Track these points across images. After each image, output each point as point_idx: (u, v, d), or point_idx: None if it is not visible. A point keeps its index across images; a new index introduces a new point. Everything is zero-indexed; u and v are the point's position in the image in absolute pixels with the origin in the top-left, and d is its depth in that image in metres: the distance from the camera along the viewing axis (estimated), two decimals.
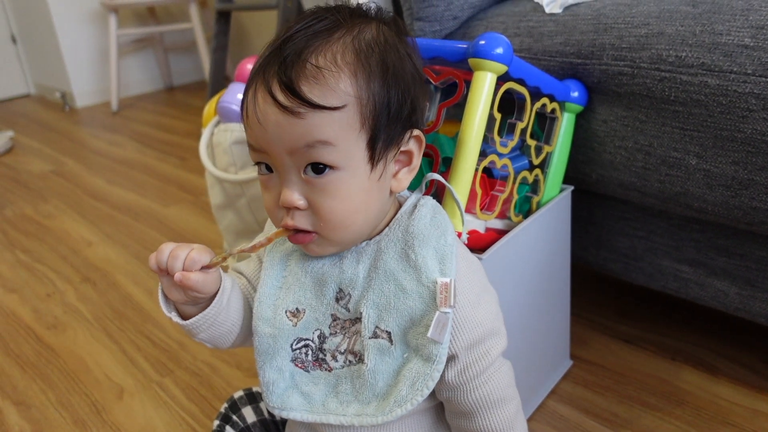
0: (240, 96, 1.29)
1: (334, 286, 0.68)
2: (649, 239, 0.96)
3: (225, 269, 0.67)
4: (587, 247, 1.05)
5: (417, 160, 0.67)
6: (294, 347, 0.69)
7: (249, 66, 1.38)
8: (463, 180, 0.76)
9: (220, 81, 2.49)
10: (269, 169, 0.62)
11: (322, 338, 0.69)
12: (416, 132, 0.66)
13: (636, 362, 1.06)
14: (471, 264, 0.69)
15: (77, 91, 3.47)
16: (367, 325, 0.65)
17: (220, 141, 1.30)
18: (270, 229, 0.75)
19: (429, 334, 0.62)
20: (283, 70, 0.58)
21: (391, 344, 0.65)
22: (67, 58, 3.40)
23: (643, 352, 1.08)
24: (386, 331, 0.65)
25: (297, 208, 0.61)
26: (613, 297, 1.23)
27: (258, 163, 0.63)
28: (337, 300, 0.68)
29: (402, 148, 0.65)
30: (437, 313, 0.62)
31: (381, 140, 0.62)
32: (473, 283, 0.67)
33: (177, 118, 3.04)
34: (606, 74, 0.87)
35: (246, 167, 1.31)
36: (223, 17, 2.45)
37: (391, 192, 0.67)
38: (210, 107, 1.43)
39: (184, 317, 0.68)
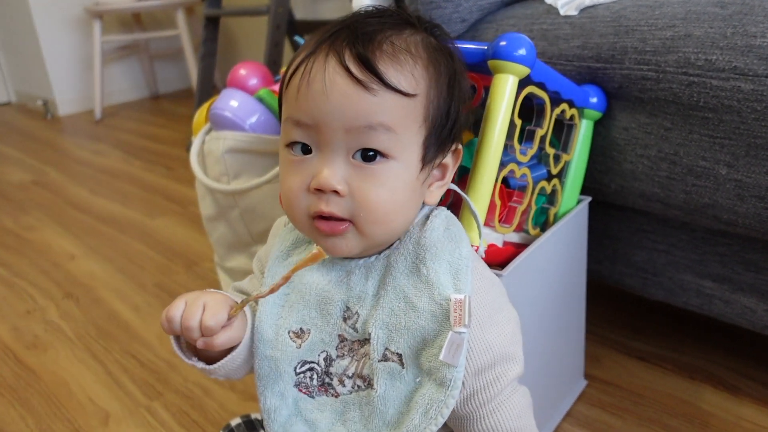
0: (234, 103, 1.24)
1: (341, 304, 0.63)
2: (669, 253, 0.91)
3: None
4: (602, 260, 1.00)
5: (450, 176, 0.64)
6: (298, 371, 0.64)
7: (242, 71, 1.32)
8: (483, 191, 0.70)
9: (207, 89, 2.42)
10: (305, 150, 0.58)
11: (329, 361, 0.63)
12: (459, 146, 0.63)
13: (653, 381, 1.00)
14: (486, 280, 0.63)
15: (60, 99, 3.39)
16: (376, 347, 0.60)
17: (212, 149, 1.24)
18: (276, 238, 0.69)
19: (441, 357, 0.56)
20: (360, 43, 0.55)
21: (403, 368, 0.60)
22: (50, 65, 3.32)
23: (660, 371, 1.03)
24: (397, 354, 0.60)
25: (336, 193, 0.56)
26: (625, 312, 1.18)
27: (292, 144, 0.58)
28: (345, 319, 0.62)
29: (442, 160, 0.62)
30: (450, 333, 0.57)
31: (434, 142, 0.59)
32: (486, 302, 0.62)
33: (163, 127, 2.96)
34: (628, 79, 0.82)
35: (239, 177, 1.25)
36: (212, 23, 2.39)
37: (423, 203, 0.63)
38: (201, 114, 1.37)
39: (202, 357, 0.63)
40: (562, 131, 0.86)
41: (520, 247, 0.80)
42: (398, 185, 0.57)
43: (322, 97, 0.54)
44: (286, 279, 0.57)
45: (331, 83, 0.54)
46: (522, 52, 0.69)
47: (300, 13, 2.65)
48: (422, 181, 0.60)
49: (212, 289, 0.61)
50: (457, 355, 0.56)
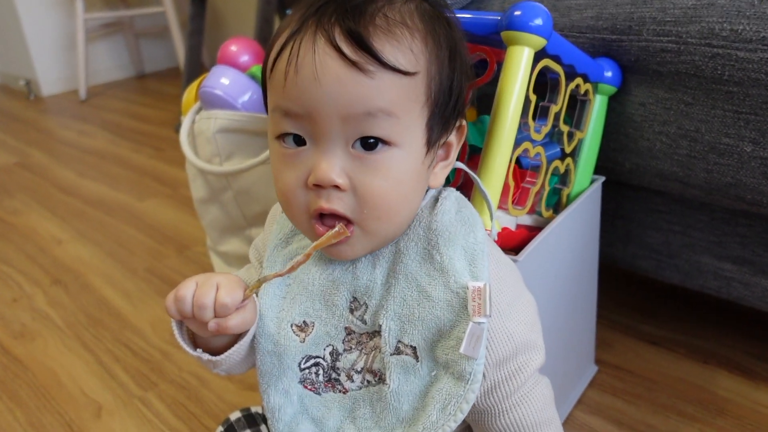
0: (225, 80, 1.18)
1: (347, 295, 0.58)
2: (686, 234, 0.87)
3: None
4: (613, 242, 0.96)
5: (454, 154, 0.59)
6: (302, 366, 0.60)
7: (233, 47, 1.27)
8: (496, 172, 0.66)
9: (196, 67, 2.35)
10: (298, 141, 0.52)
11: (335, 355, 0.59)
12: (463, 122, 0.58)
13: (665, 366, 0.97)
14: (503, 265, 0.60)
15: (43, 79, 3.30)
16: (388, 340, 0.56)
17: (203, 129, 1.19)
18: (274, 224, 0.65)
19: (462, 350, 0.52)
20: (350, 17, 0.49)
21: (417, 361, 0.56)
22: (32, 43, 3.22)
23: (672, 355, 0.99)
24: (411, 346, 0.56)
25: (337, 188, 0.51)
26: (634, 295, 1.14)
27: (283, 136, 0.53)
28: (352, 311, 0.58)
29: (447, 139, 0.57)
30: (470, 324, 0.53)
31: (439, 122, 0.54)
32: (505, 288, 0.58)
33: (150, 107, 2.89)
34: (646, 51, 0.78)
35: (231, 158, 1.20)
36: None
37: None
38: (190, 93, 1.32)
39: (205, 347, 0.59)
40: (574, 108, 0.82)
41: (533, 230, 0.76)
42: (403, 174, 0.53)
43: (313, 83, 0.49)
44: (308, 256, 0.53)
45: (322, 67, 0.48)
46: (538, 21, 0.65)
47: None
48: (428, 165, 0.56)
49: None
50: (478, 346, 0.53)
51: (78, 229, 1.67)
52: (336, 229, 0.52)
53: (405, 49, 0.50)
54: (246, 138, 1.19)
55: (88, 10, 3.08)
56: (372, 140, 0.51)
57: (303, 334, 0.59)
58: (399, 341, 0.56)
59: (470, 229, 0.57)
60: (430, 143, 0.55)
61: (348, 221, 0.53)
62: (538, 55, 0.68)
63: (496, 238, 0.64)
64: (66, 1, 3.23)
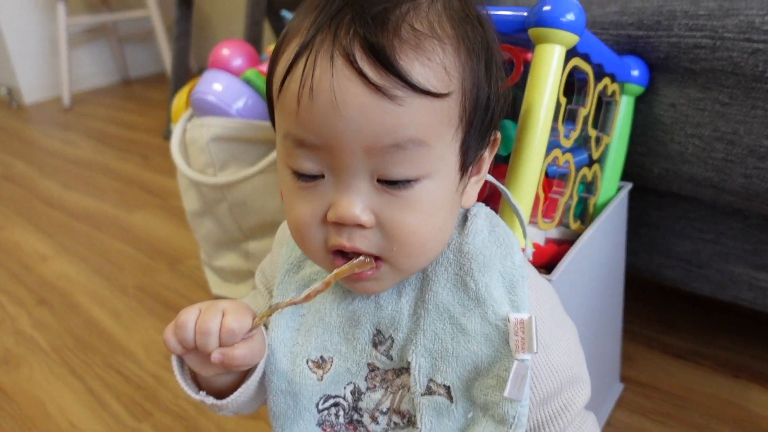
0: (218, 86, 1.12)
1: (369, 327, 0.52)
2: (718, 242, 0.82)
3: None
4: (638, 251, 0.90)
5: (486, 168, 0.53)
6: (321, 407, 0.54)
7: (225, 51, 1.20)
8: (527, 184, 0.60)
9: (183, 72, 2.28)
10: (314, 174, 0.46)
11: (357, 394, 0.53)
12: (498, 134, 0.52)
13: (694, 381, 0.92)
14: (541, 290, 0.53)
15: (25, 87, 3.21)
16: (418, 379, 0.50)
17: (195, 138, 1.13)
18: (283, 246, 0.58)
19: (506, 393, 0.46)
20: (371, 30, 0.41)
21: (451, 402, 0.50)
22: (12, 50, 3.13)
23: (700, 369, 0.94)
24: (444, 386, 0.50)
25: (361, 226, 0.45)
26: (654, 305, 1.08)
27: (296, 171, 0.46)
28: (375, 345, 0.52)
29: (481, 156, 0.51)
30: (515, 363, 0.47)
31: (474, 143, 0.48)
32: (545, 316, 0.52)
33: (136, 113, 2.81)
34: (677, 48, 0.72)
35: (226, 168, 1.14)
36: (185, 1, 2.24)
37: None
38: (180, 100, 1.25)
39: (209, 389, 0.52)
40: (597, 111, 0.76)
41: (561, 244, 0.70)
42: (436, 207, 0.46)
43: (333, 112, 0.42)
44: (327, 284, 0.47)
45: (342, 94, 0.41)
46: (570, 17, 0.59)
47: None
48: (461, 190, 0.50)
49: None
50: (522, 387, 0.47)
51: (63, 244, 1.59)
52: (361, 258, 0.46)
53: (437, 66, 0.43)
54: (241, 146, 1.12)
55: (71, 15, 2.99)
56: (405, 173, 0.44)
57: (320, 371, 0.53)
58: (430, 380, 0.50)
59: (507, 252, 0.51)
60: (465, 167, 0.48)
61: (375, 257, 0.47)
62: (568, 54, 0.62)
63: (531, 258, 0.58)
64: (47, 5, 3.14)
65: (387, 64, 0.41)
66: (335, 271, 0.47)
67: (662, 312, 1.06)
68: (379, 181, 0.44)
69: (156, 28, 2.91)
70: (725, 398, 0.88)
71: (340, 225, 0.45)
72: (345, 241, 0.45)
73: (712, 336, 1.00)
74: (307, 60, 0.42)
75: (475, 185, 0.52)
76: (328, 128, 0.43)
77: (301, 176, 0.46)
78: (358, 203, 0.44)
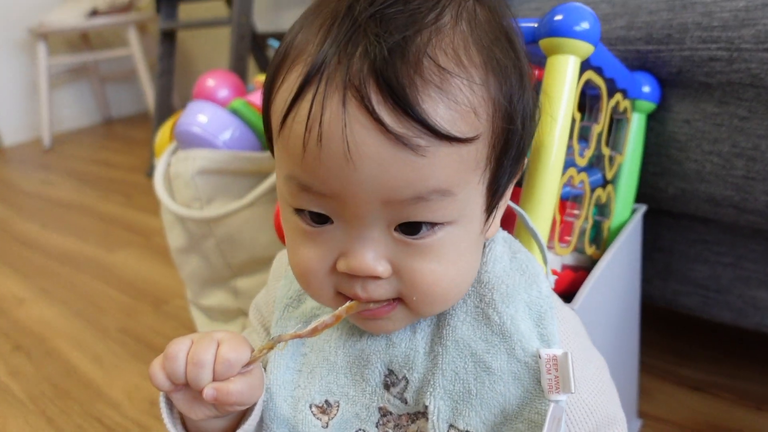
0: (203, 117, 1.07)
1: (380, 367, 0.47)
2: (738, 266, 0.78)
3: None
4: (651, 278, 0.85)
5: (509, 194, 0.47)
6: None
7: (210, 82, 1.16)
8: (545, 205, 0.55)
9: (166, 110, 2.24)
10: (321, 217, 0.41)
11: None
12: (527, 161, 0.48)
13: (715, 416, 0.86)
14: (568, 321, 0.49)
15: (4, 128, 3.15)
16: (436, 424, 0.45)
17: (180, 172, 1.07)
18: (281, 279, 0.53)
19: None
20: (389, 67, 0.35)
21: None
22: None
23: (720, 402, 0.88)
24: None
25: (377, 277, 0.40)
26: (670, 335, 1.03)
27: (301, 210, 0.41)
28: (387, 387, 0.47)
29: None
30: (552, 405, 0.41)
31: (504, 182, 0.43)
32: (577, 351, 0.47)
33: (118, 153, 2.76)
34: (690, 62, 0.69)
35: (213, 201, 1.09)
36: (168, 38, 2.21)
37: None
38: (164, 133, 1.21)
39: None
40: (609, 128, 0.72)
41: (578, 272, 0.65)
42: (459, 253, 0.42)
43: (344, 163, 0.37)
44: (338, 318, 0.42)
45: (356, 146, 0.36)
46: (585, 25, 0.55)
47: (262, 24, 2.49)
48: (487, 229, 0.45)
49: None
50: (558, 431, 0.41)
51: (42, 286, 1.52)
52: (349, 303, 0.41)
53: (464, 108, 0.38)
54: (229, 179, 1.07)
55: (52, 55, 2.95)
56: (421, 223, 0.40)
57: (326, 417, 0.47)
58: (451, 425, 0.44)
59: (532, 280, 0.46)
60: (491, 208, 0.44)
61: (391, 301, 0.42)
62: (582, 67, 0.58)
63: (554, 286, 0.53)
64: (27, 46, 3.10)
65: (408, 109, 0.36)
66: (346, 305, 0.41)
67: (677, 342, 1.01)
68: (396, 230, 0.40)
69: (138, 67, 2.88)
70: None
71: (353, 276, 0.41)
72: (359, 292, 0.41)
73: (731, 367, 0.95)
74: (314, 99, 0.37)
75: (498, 211, 0.47)
76: (339, 179, 0.37)
77: (306, 219, 0.41)
78: (372, 253, 0.40)
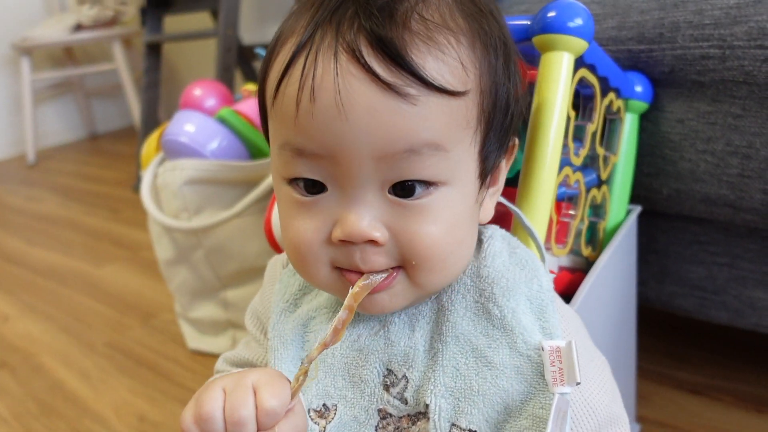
0: (190, 127, 1.06)
1: (379, 367, 0.46)
2: (734, 266, 0.77)
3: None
4: (647, 280, 0.85)
5: (503, 179, 0.48)
6: None
7: (197, 91, 1.15)
8: (542, 203, 0.54)
9: (152, 123, 2.22)
10: (316, 186, 0.41)
11: None
12: (515, 140, 0.48)
13: (715, 419, 0.85)
14: (571, 319, 0.48)
15: None
16: (438, 424, 0.43)
17: (168, 182, 1.06)
18: (275, 284, 0.52)
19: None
20: (378, 22, 0.37)
21: None
22: None
23: (719, 405, 0.88)
24: (469, 430, 0.43)
25: (373, 242, 0.39)
26: (666, 338, 1.03)
27: (295, 180, 0.41)
28: (387, 387, 0.45)
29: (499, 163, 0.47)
30: (557, 397, 0.40)
31: (494, 147, 0.43)
32: (579, 348, 0.46)
33: (104, 167, 2.73)
34: (682, 60, 0.68)
35: (201, 212, 1.07)
36: (154, 51, 2.20)
37: None
38: (150, 144, 1.19)
39: None
40: (603, 129, 0.71)
41: (574, 272, 0.64)
42: (455, 217, 0.42)
43: (337, 116, 0.37)
44: (352, 310, 0.41)
45: (348, 94, 0.37)
46: (578, 21, 0.54)
47: (247, 36, 2.48)
48: (480, 200, 0.45)
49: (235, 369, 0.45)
50: (564, 425, 0.40)
51: (27, 302, 1.49)
52: (380, 275, 0.41)
53: (452, 61, 0.39)
54: (217, 189, 1.06)
55: (35, 71, 2.93)
56: (414, 183, 0.40)
57: (323, 422, 0.46)
58: (453, 424, 0.43)
59: (532, 274, 0.45)
60: (485, 174, 0.44)
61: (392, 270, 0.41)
62: (576, 64, 0.57)
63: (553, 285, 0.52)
64: (11, 61, 3.07)
65: (398, 59, 0.37)
66: (352, 292, 0.41)
67: (675, 346, 1.00)
68: (390, 192, 0.39)
69: (123, 82, 2.86)
70: None
71: (349, 244, 0.40)
72: (359, 262, 0.40)
73: (726, 369, 0.94)
74: (306, 59, 0.38)
75: (491, 197, 0.47)
76: (332, 134, 0.38)
77: (300, 189, 0.41)
78: (368, 217, 0.39)
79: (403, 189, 0.40)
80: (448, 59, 0.39)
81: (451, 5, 0.41)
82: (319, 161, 0.39)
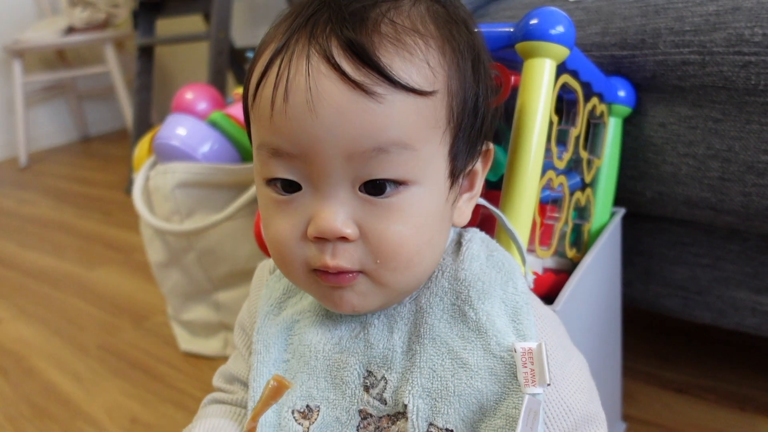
0: (181, 130, 1.07)
1: (359, 368, 0.47)
2: (716, 267, 0.78)
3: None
4: (632, 281, 0.86)
5: (480, 184, 0.49)
6: None
7: (188, 95, 1.16)
8: (523, 207, 0.55)
9: (145, 126, 2.23)
10: (291, 186, 0.42)
11: None
12: (490, 145, 0.49)
13: (699, 417, 0.87)
14: (547, 320, 0.49)
15: None
16: (416, 424, 0.45)
17: (160, 185, 1.07)
18: (262, 288, 0.53)
19: (519, 431, 0.41)
20: (349, 26, 0.39)
21: None
22: None
23: (703, 403, 0.89)
24: (446, 430, 0.44)
25: (344, 239, 0.41)
26: (651, 339, 1.04)
27: (272, 180, 0.43)
28: (367, 388, 0.47)
29: (472, 167, 0.48)
30: (527, 398, 0.42)
31: (464, 149, 0.45)
32: (555, 349, 0.48)
33: (96, 170, 2.73)
34: (664, 66, 0.70)
35: (193, 215, 1.08)
36: (146, 53, 2.20)
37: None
38: (142, 147, 1.20)
39: None
40: (587, 134, 0.73)
41: (558, 274, 0.65)
42: (425, 216, 0.43)
43: (308, 114, 0.39)
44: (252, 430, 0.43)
45: (318, 93, 0.39)
46: (560, 29, 0.56)
47: (239, 39, 2.49)
48: (451, 201, 0.46)
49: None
50: (536, 425, 0.42)
51: (19, 305, 1.50)
52: (274, 384, 0.41)
53: (419, 62, 0.41)
54: (208, 192, 1.07)
55: (27, 73, 2.92)
56: (385, 182, 0.41)
57: (307, 423, 0.47)
58: (431, 424, 0.44)
59: (508, 277, 0.47)
60: (455, 175, 0.45)
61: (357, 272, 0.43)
62: (558, 70, 0.59)
63: (533, 286, 0.53)
64: (2, 64, 3.07)
65: (365, 59, 0.39)
66: (253, 412, 0.42)
67: (660, 346, 1.02)
68: (361, 190, 0.41)
69: (116, 84, 2.86)
70: None
71: (323, 240, 0.42)
72: (328, 259, 0.42)
73: (711, 368, 0.95)
74: (281, 61, 0.40)
75: (468, 202, 0.49)
76: (304, 133, 0.39)
77: (278, 188, 0.43)
78: (340, 214, 0.41)
79: (374, 187, 0.41)
80: (415, 60, 0.40)
81: (423, 13, 0.43)
82: (293, 161, 0.41)
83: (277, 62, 0.40)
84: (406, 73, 0.40)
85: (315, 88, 0.39)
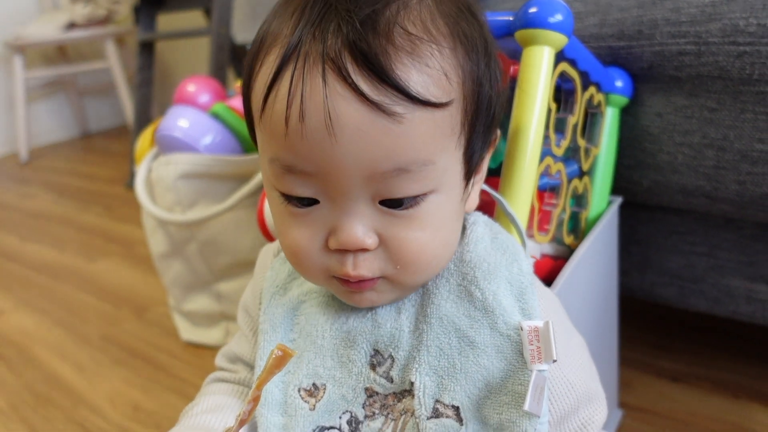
0: (183, 122, 1.08)
1: (366, 347, 0.48)
2: (712, 256, 0.80)
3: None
4: (629, 270, 0.87)
5: (485, 167, 0.50)
6: None
7: (190, 87, 1.17)
8: (522, 192, 0.56)
9: (145, 121, 2.24)
10: (308, 199, 0.42)
11: (354, 424, 0.48)
12: (498, 133, 0.50)
13: (693, 404, 0.88)
14: (550, 300, 0.50)
15: None
16: (423, 401, 0.45)
17: (162, 176, 1.08)
18: (267, 271, 0.54)
19: (526, 407, 0.42)
20: (362, 37, 0.37)
21: (461, 425, 0.45)
22: None
23: (698, 391, 0.90)
24: (452, 406, 0.45)
25: (365, 249, 0.42)
26: (647, 328, 1.05)
27: (288, 196, 0.43)
28: (374, 367, 0.48)
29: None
30: (534, 373, 0.43)
31: (478, 147, 0.45)
32: (557, 328, 0.48)
33: (97, 165, 2.74)
34: (660, 56, 0.71)
35: (195, 206, 1.09)
36: (147, 49, 2.21)
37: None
38: (145, 139, 1.21)
39: None
40: (584, 123, 0.74)
41: (557, 261, 0.66)
42: (441, 221, 0.44)
43: (326, 137, 0.38)
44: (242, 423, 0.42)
45: (336, 115, 0.37)
46: (558, 17, 0.57)
47: (240, 35, 2.50)
48: (466, 198, 0.47)
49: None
50: (541, 400, 0.43)
51: (21, 297, 1.51)
52: (276, 353, 0.40)
53: (436, 72, 0.40)
54: (210, 183, 1.08)
55: (28, 69, 2.93)
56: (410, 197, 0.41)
57: (313, 400, 0.48)
58: (437, 401, 0.45)
59: (513, 258, 0.47)
60: (470, 174, 0.46)
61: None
62: (556, 58, 0.60)
63: (533, 269, 0.54)
64: (3, 59, 3.08)
65: (383, 75, 0.37)
66: (258, 380, 0.41)
67: (654, 334, 1.03)
68: (380, 203, 0.41)
69: (116, 80, 2.87)
70: (727, 420, 0.84)
71: (344, 251, 0.42)
72: (350, 269, 0.42)
73: (705, 357, 0.97)
74: (293, 77, 0.38)
75: (476, 186, 0.49)
76: (322, 154, 0.39)
77: (294, 202, 0.43)
78: (361, 227, 0.41)
79: (393, 200, 0.41)
80: (432, 71, 0.39)
81: (432, 9, 0.41)
82: (309, 178, 0.41)
83: (288, 74, 0.39)
84: (423, 87, 0.39)
85: (333, 111, 0.37)
